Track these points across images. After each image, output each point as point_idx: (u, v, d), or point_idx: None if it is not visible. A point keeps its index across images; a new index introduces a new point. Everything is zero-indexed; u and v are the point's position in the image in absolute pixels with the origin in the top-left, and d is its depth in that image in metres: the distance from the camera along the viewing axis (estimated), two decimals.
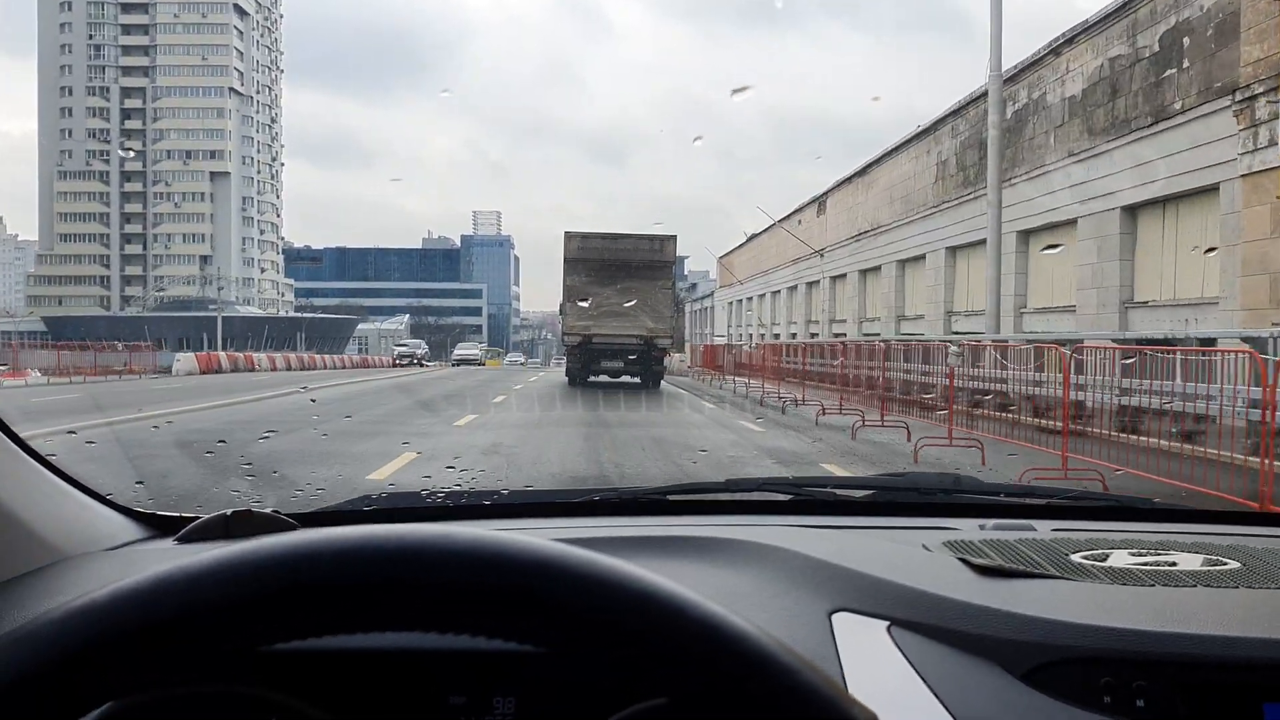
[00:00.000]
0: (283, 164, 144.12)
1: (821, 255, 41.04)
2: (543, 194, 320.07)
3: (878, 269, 33.71)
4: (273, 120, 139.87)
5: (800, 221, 44.82)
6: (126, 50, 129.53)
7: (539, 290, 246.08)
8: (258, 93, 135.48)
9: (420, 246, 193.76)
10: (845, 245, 37.76)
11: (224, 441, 10.99)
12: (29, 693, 0.63)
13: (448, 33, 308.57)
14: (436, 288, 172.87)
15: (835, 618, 1.17)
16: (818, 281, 42.70)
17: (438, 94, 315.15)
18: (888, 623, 1.16)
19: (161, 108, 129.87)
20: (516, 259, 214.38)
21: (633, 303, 26.58)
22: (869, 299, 35.39)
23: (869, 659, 1.09)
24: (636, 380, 27.25)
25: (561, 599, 0.67)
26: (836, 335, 39.31)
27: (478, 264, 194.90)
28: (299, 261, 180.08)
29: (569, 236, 27.67)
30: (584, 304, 26.32)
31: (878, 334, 32.46)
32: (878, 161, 33.65)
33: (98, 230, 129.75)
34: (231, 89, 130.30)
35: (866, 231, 34.33)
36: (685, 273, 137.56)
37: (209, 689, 1.01)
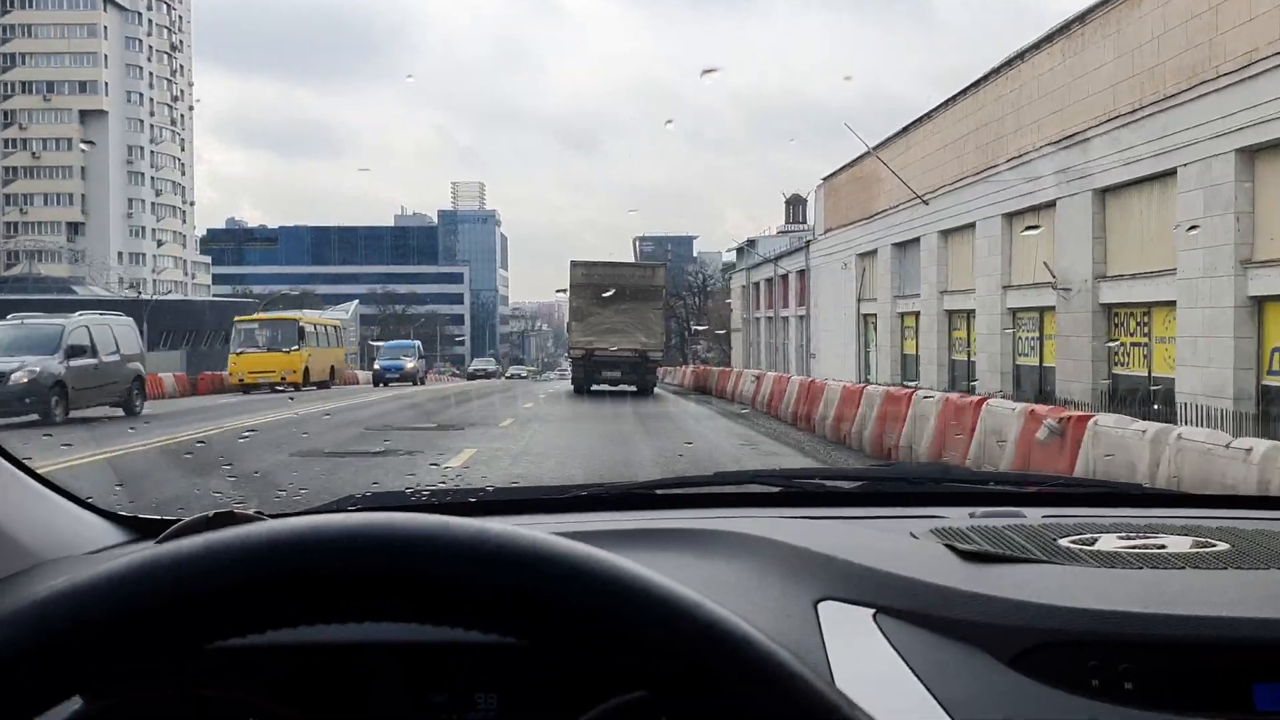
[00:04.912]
0: (191, 106, 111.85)
1: None
2: (519, 183, 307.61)
3: None
4: (174, 48, 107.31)
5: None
6: None
7: (522, 281, 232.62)
8: (149, 8, 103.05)
9: (392, 225, 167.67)
10: None
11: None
12: None
13: (397, 16, 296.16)
14: (411, 271, 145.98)
15: (821, 606, 1.17)
16: None
17: (397, 81, 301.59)
18: (874, 610, 1.15)
19: (12, 24, 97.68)
20: (504, 238, 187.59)
21: (628, 321, 30.10)
22: None
23: (855, 647, 1.10)
24: (633, 388, 29.52)
25: (548, 591, 0.66)
26: None
27: (458, 243, 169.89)
28: (252, 243, 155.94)
29: (574, 265, 31.78)
30: (586, 321, 30.50)
31: None
32: None
33: None
34: (108, 0, 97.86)
35: None
36: (695, 255, 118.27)
37: (179, 691, 1.00)
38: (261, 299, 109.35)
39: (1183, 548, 1.36)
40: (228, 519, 1.34)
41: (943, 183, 27.01)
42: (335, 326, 43.86)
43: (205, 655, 0.68)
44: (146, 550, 0.67)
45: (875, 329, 33.85)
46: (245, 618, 0.66)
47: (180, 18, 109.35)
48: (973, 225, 24.87)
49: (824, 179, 41.05)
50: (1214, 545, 1.37)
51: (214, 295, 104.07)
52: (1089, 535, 1.43)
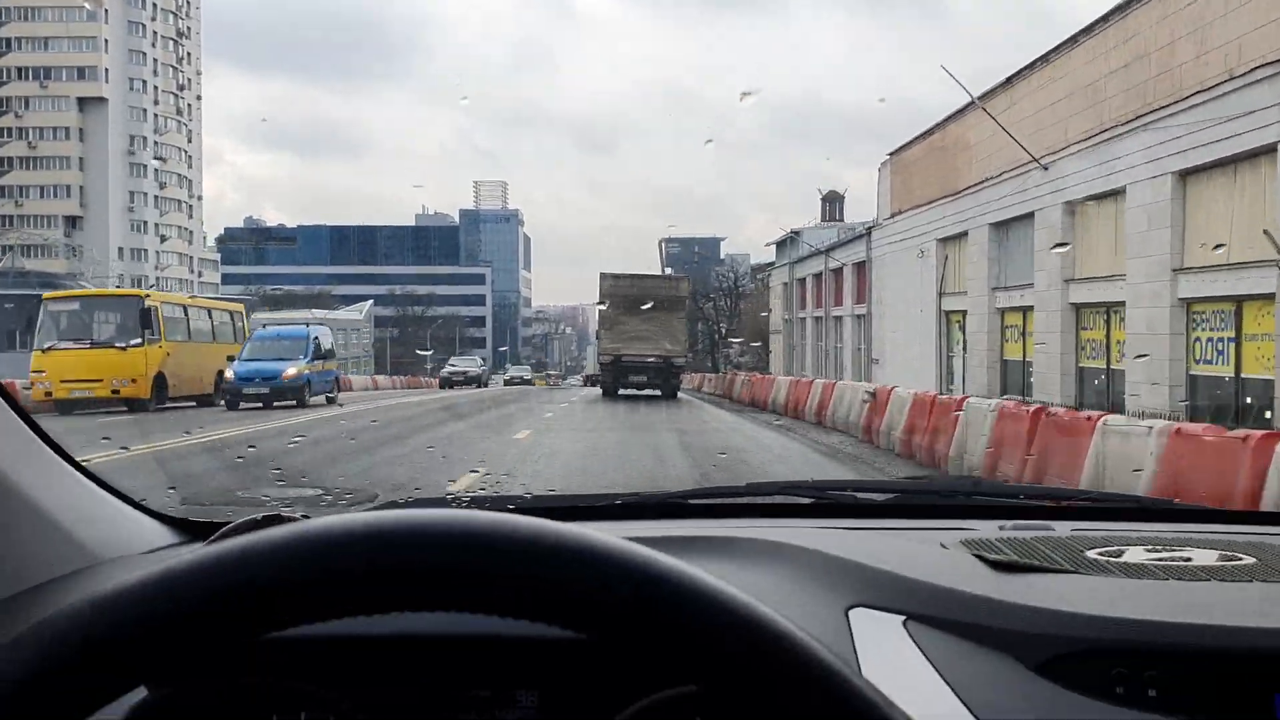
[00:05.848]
0: (199, 96, 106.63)
1: None
2: (540, 185, 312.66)
3: None
4: (180, 34, 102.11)
5: None
6: None
7: (545, 284, 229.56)
8: None
9: (413, 224, 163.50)
10: None
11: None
12: (59, 678, 0.65)
13: (414, 21, 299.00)
14: (432, 272, 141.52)
15: (852, 613, 1.19)
16: None
17: (417, 84, 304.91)
18: (904, 617, 1.18)
19: (8, 6, 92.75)
20: (527, 238, 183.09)
21: (654, 329, 32.18)
22: None
23: (885, 653, 1.12)
24: (658, 393, 31.26)
25: (602, 587, 0.68)
26: None
27: (480, 243, 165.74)
28: (269, 242, 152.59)
29: (603, 277, 34.46)
30: (615, 329, 32.62)
31: None
32: None
33: None
34: None
35: None
36: (722, 256, 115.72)
37: (238, 680, 1.04)
38: (269, 298, 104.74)
39: (1209, 561, 1.36)
40: (276, 522, 1.36)
41: (1067, 141, 21.02)
42: (231, 313, 29.03)
43: (261, 645, 0.69)
44: (211, 546, 0.70)
45: (963, 329, 27.83)
46: (310, 608, 0.68)
47: (188, 1, 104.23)
48: (1120, 191, 18.85)
49: (890, 154, 35.04)
50: (1240, 559, 1.37)
51: (222, 294, 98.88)
52: (1116, 548, 1.42)
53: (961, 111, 27.73)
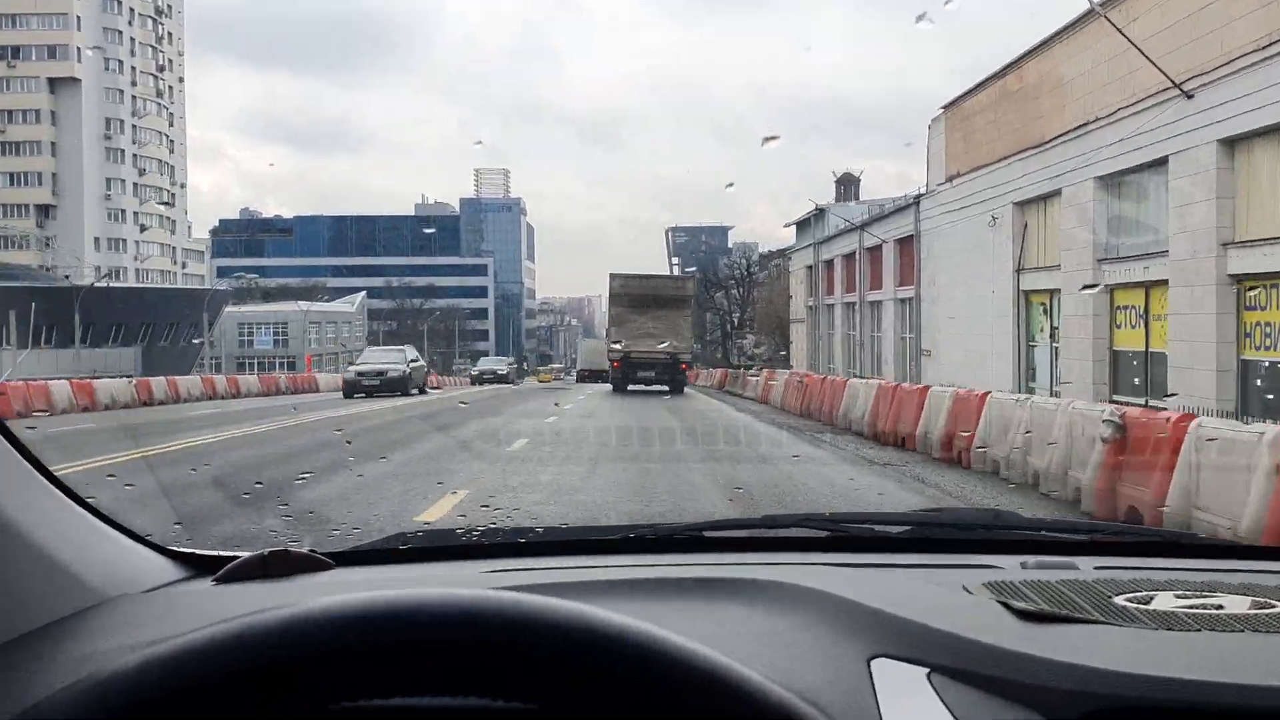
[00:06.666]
0: (181, 78, 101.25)
1: None
2: (544, 177, 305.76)
3: None
4: (160, 11, 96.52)
5: None
6: None
7: (550, 276, 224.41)
8: None
9: (413, 214, 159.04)
10: None
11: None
12: None
13: (415, 12, 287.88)
14: (432, 263, 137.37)
15: (874, 663, 1.17)
16: None
17: (421, 77, 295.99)
18: (928, 669, 1.15)
19: None
20: (530, 228, 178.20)
21: (661, 327, 33.56)
22: None
23: (909, 707, 1.10)
24: (665, 388, 32.39)
25: (545, 654, 0.70)
26: None
27: (482, 233, 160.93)
28: (266, 234, 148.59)
29: (613, 276, 36.04)
30: (624, 327, 34.26)
31: None
32: None
33: None
34: None
35: None
36: (730, 245, 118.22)
37: None
38: (254, 290, 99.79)
39: (1241, 609, 1.34)
40: (283, 558, 1.41)
41: (1224, 57, 15.66)
42: None
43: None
44: (214, 627, 0.71)
45: (1049, 313, 22.52)
46: (360, 685, 0.69)
47: None
48: None
49: (944, 107, 29.66)
50: (1274, 606, 1.34)
51: (213, 288, 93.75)
52: (1144, 592, 1.41)
53: (1047, 42, 22.38)
